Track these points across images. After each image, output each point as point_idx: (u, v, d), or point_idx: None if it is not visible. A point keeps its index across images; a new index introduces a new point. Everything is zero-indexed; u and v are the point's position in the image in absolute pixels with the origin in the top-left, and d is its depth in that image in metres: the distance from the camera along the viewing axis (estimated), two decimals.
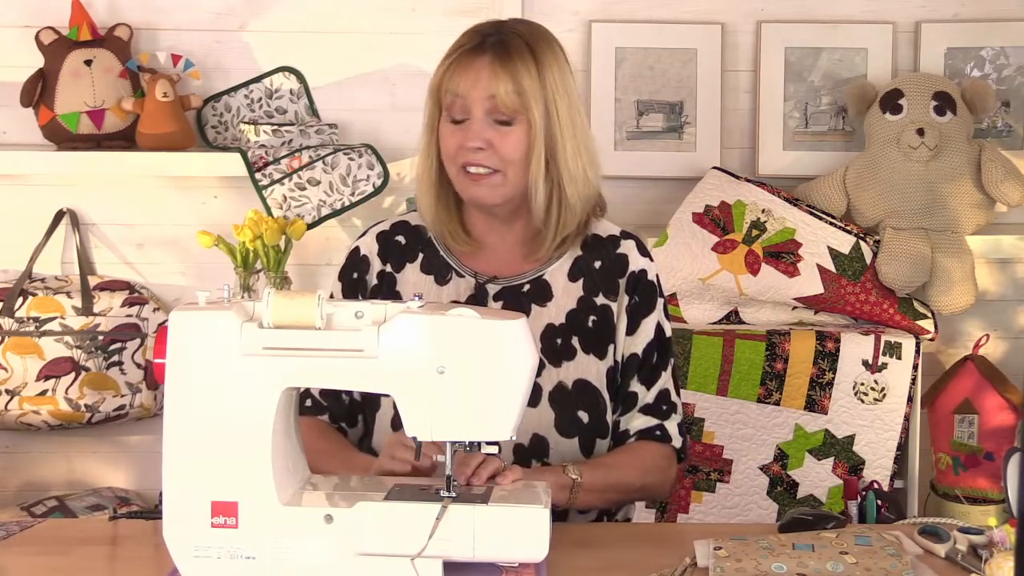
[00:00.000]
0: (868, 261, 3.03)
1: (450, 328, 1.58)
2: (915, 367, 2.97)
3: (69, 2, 3.10)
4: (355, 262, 2.11)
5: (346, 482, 1.74)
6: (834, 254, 3.04)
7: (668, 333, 2.09)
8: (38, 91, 3.09)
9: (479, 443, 1.63)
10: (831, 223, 3.07)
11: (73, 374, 3.07)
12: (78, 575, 1.70)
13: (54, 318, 3.09)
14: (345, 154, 3.05)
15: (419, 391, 1.58)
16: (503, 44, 1.96)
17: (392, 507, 1.58)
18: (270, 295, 1.58)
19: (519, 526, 1.58)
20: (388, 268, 2.09)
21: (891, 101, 3.08)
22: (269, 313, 1.57)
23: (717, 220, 3.07)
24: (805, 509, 1.95)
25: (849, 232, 3.06)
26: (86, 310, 3.09)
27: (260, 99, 3.20)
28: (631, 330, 2.05)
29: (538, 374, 1.95)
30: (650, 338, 2.06)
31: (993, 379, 3.06)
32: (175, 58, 3.15)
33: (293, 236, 3.01)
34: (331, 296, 2.08)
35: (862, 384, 2.95)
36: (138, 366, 3.11)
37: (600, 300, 2.05)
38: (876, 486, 2.87)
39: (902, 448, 2.99)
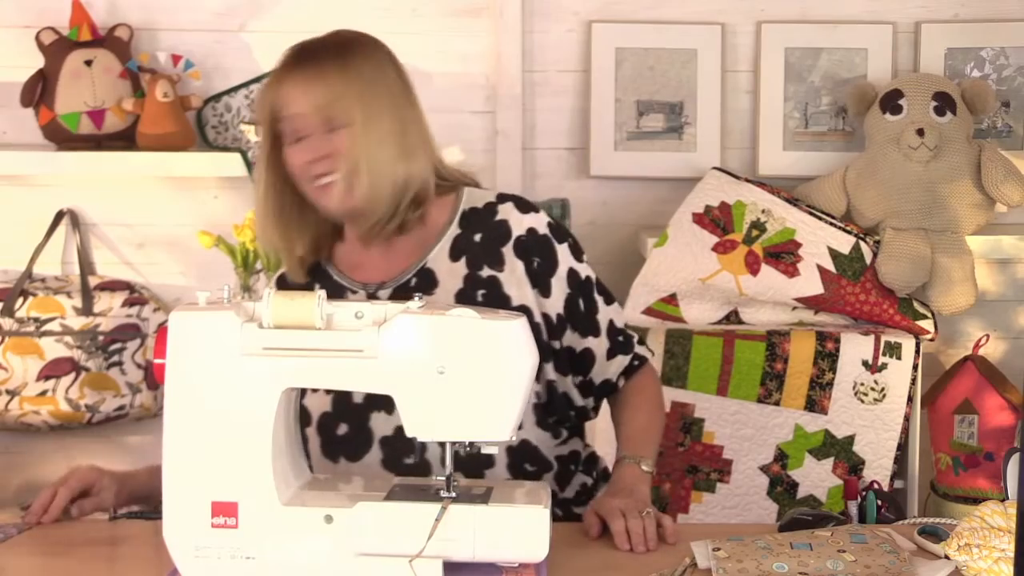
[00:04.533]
0: (868, 261, 3.03)
1: (450, 328, 1.58)
2: (915, 367, 2.97)
3: (69, 2, 3.10)
4: None
5: (346, 482, 1.74)
6: (834, 254, 3.04)
7: (585, 274, 2.06)
8: (38, 91, 3.09)
9: (479, 443, 1.63)
10: (831, 223, 3.06)
11: (73, 374, 3.07)
12: (78, 575, 1.70)
13: (54, 318, 3.09)
14: None
15: (419, 391, 1.58)
16: (307, 54, 2.02)
17: (392, 507, 1.58)
18: (270, 295, 1.59)
19: (519, 526, 1.58)
20: None
21: (891, 101, 3.08)
22: (269, 313, 1.58)
23: (717, 220, 3.07)
24: (805, 509, 1.95)
25: (849, 232, 3.06)
26: (86, 310, 3.09)
27: None
28: (544, 293, 2.02)
29: None
30: (567, 292, 2.03)
31: (993, 379, 3.06)
32: (175, 58, 3.15)
33: None
34: None
35: (862, 384, 2.95)
36: (138, 366, 3.11)
37: (486, 272, 2.01)
38: (876, 486, 2.85)
39: (902, 448, 2.98)
